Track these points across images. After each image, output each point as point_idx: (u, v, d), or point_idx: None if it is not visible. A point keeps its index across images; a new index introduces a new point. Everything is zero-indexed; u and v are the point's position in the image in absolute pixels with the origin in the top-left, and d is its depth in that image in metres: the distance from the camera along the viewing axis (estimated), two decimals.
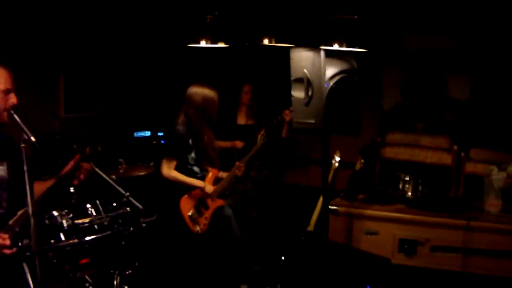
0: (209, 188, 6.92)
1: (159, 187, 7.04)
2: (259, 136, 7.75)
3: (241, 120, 8.60)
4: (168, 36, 9.91)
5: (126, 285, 5.89)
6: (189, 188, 6.88)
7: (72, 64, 9.11)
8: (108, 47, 9.57)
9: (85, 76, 9.36)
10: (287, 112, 7.98)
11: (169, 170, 6.79)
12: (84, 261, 5.68)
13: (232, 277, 7.10)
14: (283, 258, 7.16)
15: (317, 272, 6.42)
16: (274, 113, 8.21)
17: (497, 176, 7.54)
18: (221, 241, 7.06)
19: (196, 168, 6.97)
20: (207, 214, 6.98)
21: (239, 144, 8.21)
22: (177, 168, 6.83)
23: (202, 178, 7.00)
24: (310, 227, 7.22)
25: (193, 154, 6.92)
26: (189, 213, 6.87)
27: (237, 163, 7.27)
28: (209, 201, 7.00)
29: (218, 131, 8.30)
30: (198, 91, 6.93)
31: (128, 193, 5.85)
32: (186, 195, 6.87)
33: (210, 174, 7.06)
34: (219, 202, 7.12)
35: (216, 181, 7.12)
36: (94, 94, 9.53)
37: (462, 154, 8.63)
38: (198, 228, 6.89)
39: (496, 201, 7.46)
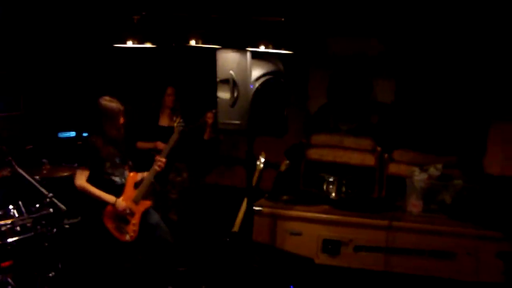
0: (120, 204, 6.77)
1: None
2: (176, 124, 7.62)
3: (164, 121, 8.54)
4: (94, 36, 9.81)
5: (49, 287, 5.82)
6: None
7: None
8: (33, 45, 9.44)
9: (10, 75, 9.22)
10: (209, 114, 7.99)
11: (81, 181, 6.65)
12: (6, 263, 5.59)
13: (158, 280, 7.05)
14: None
15: (241, 273, 6.44)
16: (198, 115, 8.20)
17: (419, 177, 7.70)
18: (151, 248, 7.01)
19: (115, 177, 6.90)
20: (134, 220, 6.88)
21: (160, 145, 8.12)
22: (94, 179, 6.74)
23: (123, 186, 6.96)
24: (235, 228, 7.24)
25: (108, 164, 6.86)
26: (115, 224, 6.81)
27: (156, 157, 7.19)
28: (133, 207, 6.94)
29: (141, 133, 8.30)
30: (105, 103, 6.90)
31: (51, 194, 5.77)
32: (108, 207, 6.79)
33: (129, 180, 7.00)
34: (145, 204, 7.03)
35: (138, 183, 7.07)
36: (19, 94, 9.40)
37: (385, 155, 8.74)
38: (127, 236, 6.81)
39: (417, 202, 7.62)
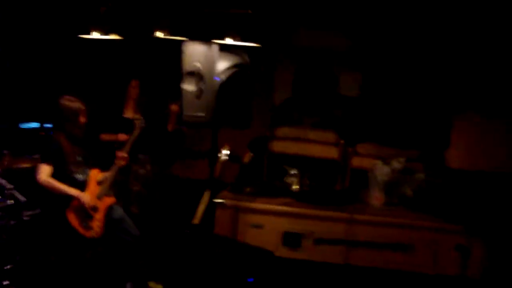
0: (86, 197, 6.71)
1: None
2: (136, 120, 7.60)
3: (129, 113, 8.47)
4: (59, 26, 9.74)
5: (7, 280, 5.79)
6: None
7: None
8: None
9: None
10: (173, 106, 7.99)
11: (45, 176, 6.56)
12: None
13: (118, 271, 7.04)
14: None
15: (201, 265, 6.45)
16: (162, 107, 8.19)
17: (381, 170, 7.76)
18: (116, 242, 7.00)
19: (77, 175, 6.86)
20: (98, 215, 6.79)
21: (121, 137, 8.07)
22: (57, 176, 6.65)
23: (86, 182, 6.93)
24: (196, 220, 7.24)
25: (71, 161, 6.82)
26: (79, 220, 6.76)
27: (118, 153, 7.18)
28: (97, 203, 6.91)
29: (105, 125, 8.26)
30: (66, 103, 6.88)
31: (11, 186, 5.75)
32: (71, 203, 6.73)
33: (91, 177, 6.96)
34: (109, 201, 7.01)
35: (101, 181, 7.04)
36: None
37: (349, 148, 8.78)
38: (92, 232, 6.78)
39: (379, 195, 7.69)
